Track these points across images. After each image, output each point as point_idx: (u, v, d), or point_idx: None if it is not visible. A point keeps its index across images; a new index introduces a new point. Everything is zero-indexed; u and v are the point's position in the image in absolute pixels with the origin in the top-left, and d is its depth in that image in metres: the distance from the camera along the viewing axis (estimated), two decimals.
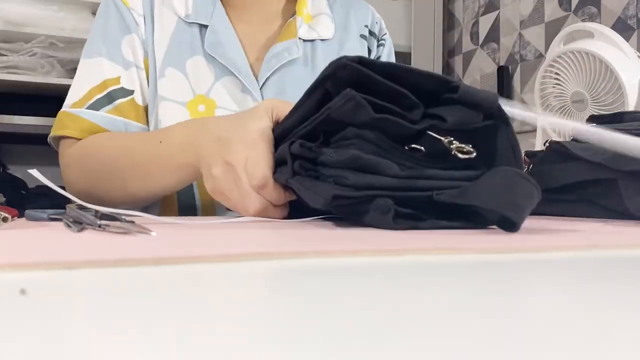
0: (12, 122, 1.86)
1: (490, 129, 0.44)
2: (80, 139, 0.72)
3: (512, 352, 0.13)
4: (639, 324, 0.16)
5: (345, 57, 0.44)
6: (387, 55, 0.91)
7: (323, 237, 0.35)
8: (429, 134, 0.43)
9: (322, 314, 0.16)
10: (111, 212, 0.38)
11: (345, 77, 0.44)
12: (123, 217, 0.37)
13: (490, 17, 2.37)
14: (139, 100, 0.75)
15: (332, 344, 0.13)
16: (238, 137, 0.53)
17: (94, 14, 1.95)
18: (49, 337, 0.13)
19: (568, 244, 0.33)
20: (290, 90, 0.77)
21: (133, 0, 0.77)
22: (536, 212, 0.45)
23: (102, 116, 0.72)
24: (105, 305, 0.17)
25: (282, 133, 0.52)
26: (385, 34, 0.92)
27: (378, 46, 0.91)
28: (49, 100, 2.13)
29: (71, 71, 1.96)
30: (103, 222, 0.36)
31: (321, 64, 0.80)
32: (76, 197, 0.66)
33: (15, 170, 2.07)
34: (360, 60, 0.43)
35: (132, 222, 0.36)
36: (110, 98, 0.73)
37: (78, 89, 0.74)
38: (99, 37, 0.76)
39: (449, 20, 2.65)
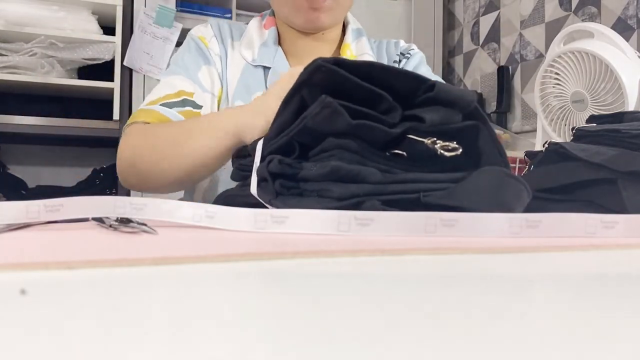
0: (12, 122, 1.86)
1: (472, 129, 0.43)
2: None
3: (512, 352, 0.13)
4: (638, 324, 0.16)
5: (320, 58, 0.44)
6: (414, 67, 0.98)
7: (323, 238, 0.35)
8: (410, 137, 0.42)
9: (322, 314, 0.16)
10: (127, 217, 0.39)
11: (320, 81, 0.43)
12: (136, 219, 0.38)
13: (491, 17, 2.37)
14: None
15: (332, 344, 0.13)
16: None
17: (94, 14, 1.95)
18: (49, 337, 0.13)
19: (568, 244, 0.33)
20: None
21: (211, 42, 0.90)
22: (536, 213, 0.44)
23: (174, 113, 0.80)
24: (105, 305, 0.17)
25: (264, 147, 0.51)
26: (413, 49, 1.00)
27: (403, 59, 0.98)
28: (49, 100, 2.14)
29: (71, 71, 1.96)
30: (115, 223, 0.37)
31: None
32: (123, 168, 0.76)
33: (15, 170, 2.07)
34: (335, 61, 0.43)
35: (144, 224, 0.36)
36: (183, 103, 0.82)
37: (154, 94, 0.83)
38: (179, 63, 0.87)
39: (449, 20, 2.65)
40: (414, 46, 1.01)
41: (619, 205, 0.57)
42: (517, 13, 2.21)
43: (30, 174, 2.14)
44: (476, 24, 2.47)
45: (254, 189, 0.47)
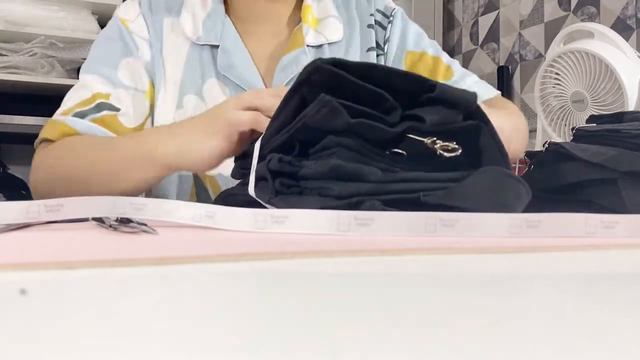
0: (12, 122, 1.86)
1: (473, 128, 0.43)
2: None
3: (512, 352, 0.13)
4: (638, 324, 0.16)
5: (319, 59, 0.44)
6: (401, 29, 0.87)
7: (323, 238, 0.35)
8: (410, 136, 0.42)
9: (322, 314, 0.16)
10: (127, 217, 0.39)
11: (320, 80, 0.43)
12: (136, 219, 0.38)
13: (490, 17, 2.37)
14: (124, 120, 0.75)
15: (332, 344, 0.13)
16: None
17: (94, 14, 1.95)
18: (49, 337, 0.13)
19: (568, 244, 0.33)
20: None
21: (135, 23, 0.78)
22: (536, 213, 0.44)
23: (85, 123, 0.72)
24: (105, 305, 0.17)
25: (263, 145, 0.50)
26: (394, 9, 0.88)
27: (388, 24, 0.87)
28: (49, 100, 2.13)
29: (71, 71, 1.96)
30: (115, 223, 0.37)
31: None
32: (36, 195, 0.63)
33: (15, 170, 2.07)
34: (334, 61, 0.43)
35: (144, 224, 0.36)
36: (98, 108, 0.74)
37: (68, 100, 0.75)
38: (98, 56, 0.77)
39: (449, 20, 2.65)
40: (394, 6, 0.89)
41: (619, 205, 0.57)
42: (516, 13, 2.21)
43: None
44: (475, 24, 2.47)
45: (251, 189, 0.47)
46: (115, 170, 0.62)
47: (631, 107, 1.09)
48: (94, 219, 0.41)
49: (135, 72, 0.76)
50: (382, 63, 0.85)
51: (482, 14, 2.42)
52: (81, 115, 0.73)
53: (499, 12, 2.32)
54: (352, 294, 0.19)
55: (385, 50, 0.86)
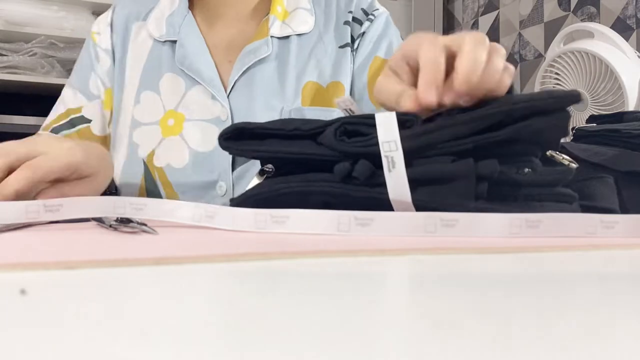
0: (12, 122, 1.86)
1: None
2: None
3: (512, 352, 0.13)
4: (638, 324, 0.16)
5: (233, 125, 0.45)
6: (380, 32, 0.83)
7: (323, 238, 0.35)
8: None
9: (322, 314, 0.16)
10: (127, 217, 0.39)
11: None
12: (136, 219, 0.38)
13: (490, 17, 2.37)
14: (95, 130, 0.81)
15: (332, 344, 0.13)
16: None
17: (94, 14, 1.95)
18: (49, 337, 0.13)
19: (568, 244, 0.33)
20: (258, 89, 0.77)
21: (102, 35, 0.83)
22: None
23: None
24: (105, 305, 0.17)
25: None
26: (377, 9, 0.85)
27: (367, 20, 0.84)
28: (49, 100, 2.13)
29: (71, 71, 1.96)
30: (115, 223, 0.37)
31: (292, 59, 0.79)
32: None
33: None
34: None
35: (144, 224, 0.36)
36: (72, 124, 0.80)
37: (51, 114, 0.83)
38: (76, 68, 0.84)
39: (449, 20, 2.65)
40: (378, 7, 0.85)
41: (619, 206, 0.57)
42: (516, 13, 2.21)
43: None
44: (475, 24, 2.47)
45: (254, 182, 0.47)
46: None
47: (631, 107, 1.09)
48: (94, 219, 0.41)
49: (97, 84, 0.82)
50: (351, 60, 0.82)
51: (482, 14, 2.42)
52: (55, 131, 0.79)
53: (498, 12, 2.32)
54: (352, 294, 0.19)
55: (356, 47, 0.82)
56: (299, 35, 0.82)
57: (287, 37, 0.82)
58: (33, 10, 1.88)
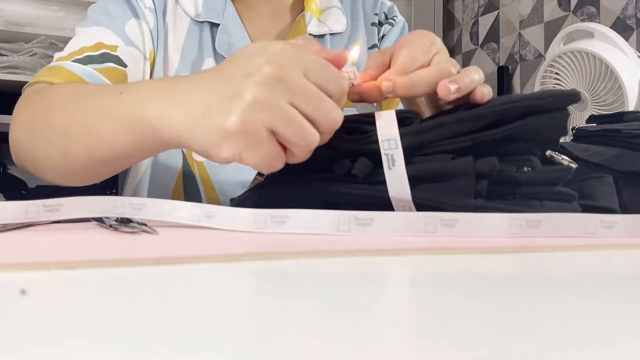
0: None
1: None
2: None
3: (511, 352, 0.13)
4: (638, 324, 0.16)
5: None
6: (397, 35, 0.85)
7: (323, 238, 0.35)
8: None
9: (322, 314, 0.16)
10: (127, 217, 0.39)
11: None
12: (136, 219, 0.38)
13: (490, 17, 2.37)
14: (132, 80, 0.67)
15: (332, 343, 0.13)
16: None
17: None
18: (49, 337, 0.13)
19: (568, 244, 0.33)
20: None
21: None
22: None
23: (89, 70, 0.62)
24: (105, 305, 0.17)
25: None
26: (396, 15, 0.88)
27: (387, 24, 0.86)
28: None
29: None
30: (115, 223, 0.37)
31: None
32: (15, 149, 0.60)
33: (15, 170, 2.07)
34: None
35: (144, 224, 0.36)
36: (103, 58, 0.63)
37: (66, 48, 0.65)
38: (100, 11, 0.69)
39: (449, 20, 2.65)
40: (396, 13, 0.88)
41: (619, 205, 0.57)
42: (516, 13, 2.21)
43: (30, 174, 2.13)
44: (475, 24, 2.47)
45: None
46: (95, 123, 0.48)
47: (631, 107, 1.09)
48: (94, 219, 0.41)
49: (143, 35, 0.69)
50: None
51: (482, 14, 2.42)
52: (82, 62, 0.62)
53: (498, 12, 2.32)
54: (352, 293, 0.19)
55: (378, 48, 0.84)
56: (332, 34, 0.82)
57: (323, 35, 0.81)
58: (33, 10, 1.88)
